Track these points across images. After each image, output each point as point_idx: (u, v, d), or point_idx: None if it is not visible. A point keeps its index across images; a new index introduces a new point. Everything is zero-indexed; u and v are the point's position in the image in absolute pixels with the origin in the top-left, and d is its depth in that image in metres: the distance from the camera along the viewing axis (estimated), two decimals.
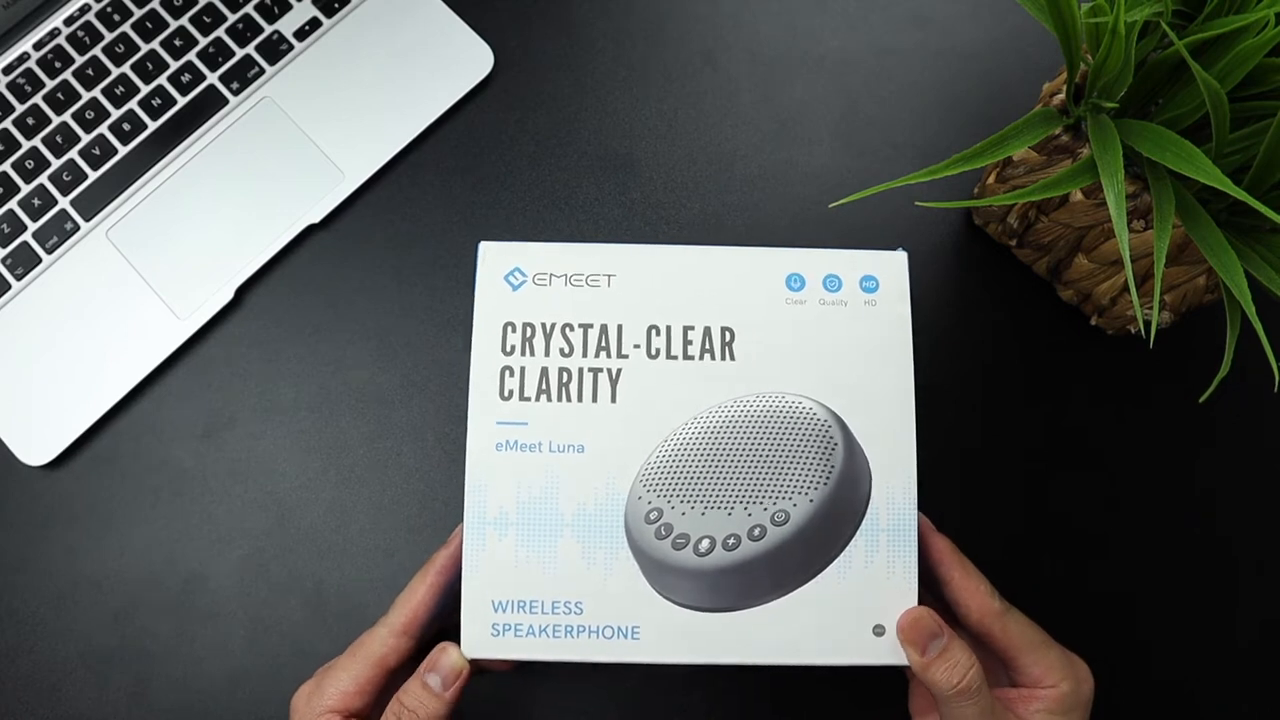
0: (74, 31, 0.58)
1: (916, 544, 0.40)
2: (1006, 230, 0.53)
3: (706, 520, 0.39)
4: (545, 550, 0.39)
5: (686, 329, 0.41)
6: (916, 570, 0.39)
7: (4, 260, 0.55)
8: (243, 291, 0.55)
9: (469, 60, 0.59)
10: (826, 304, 0.41)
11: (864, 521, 0.39)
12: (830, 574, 0.39)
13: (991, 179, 0.52)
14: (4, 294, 0.54)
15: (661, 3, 0.61)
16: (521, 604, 0.39)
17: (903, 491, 0.40)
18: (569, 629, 0.39)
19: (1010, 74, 0.59)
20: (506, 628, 0.39)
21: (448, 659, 0.39)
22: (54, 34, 0.58)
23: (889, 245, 0.43)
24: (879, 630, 0.39)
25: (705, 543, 0.39)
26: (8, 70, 0.58)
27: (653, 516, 0.39)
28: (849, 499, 0.39)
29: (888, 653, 0.39)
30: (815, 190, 0.57)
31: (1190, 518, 0.52)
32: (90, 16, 0.58)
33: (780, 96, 0.59)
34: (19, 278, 0.54)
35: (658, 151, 0.58)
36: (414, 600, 0.41)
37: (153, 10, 0.58)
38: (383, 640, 0.40)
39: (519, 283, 0.41)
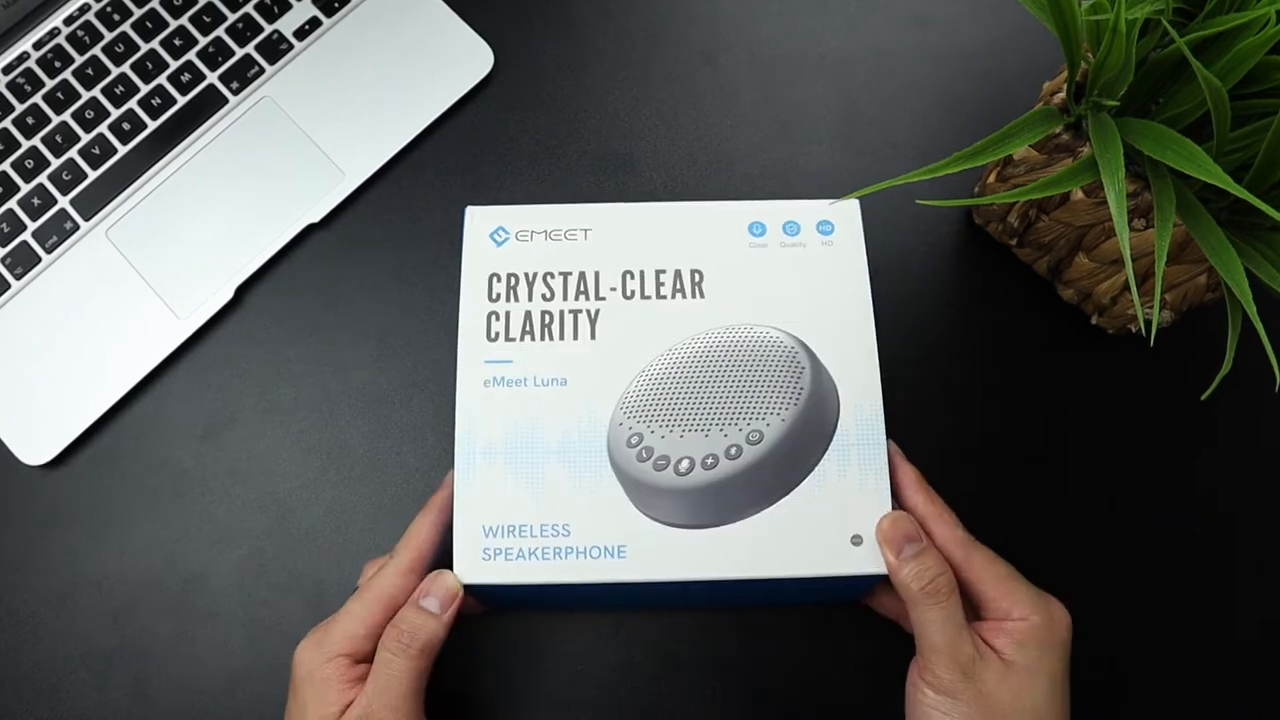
0: (74, 31, 0.58)
1: (886, 458, 0.42)
2: (1007, 229, 0.53)
3: (685, 442, 0.41)
4: (533, 476, 0.41)
5: (659, 272, 0.44)
6: (888, 482, 0.41)
7: (4, 260, 0.55)
8: (243, 291, 0.55)
9: (469, 60, 0.59)
10: (787, 246, 0.44)
11: (834, 438, 0.41)
12: (806, 488, 0.41)
13: (992, 178, 0.52)
14: (4, 294, 0.54)
15: (661, 3, 0.61)
16: (511, 528, 0.41)
17: (869, 410, 0.42)
18: (557, 550, 0.40)
19: (1010, 73, 0.59)
20: (497, 552, 0.40)
21: (443, 582, 0.40)
22: (54, 33, 0.58)
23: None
24: (857, 540, 0.41)
25: (685, 463, 0.41)
26: (8, 70, 0.58)
27: (633, 440, 0.41)
28: (818, 417, 0.42)
29: (866, 562, 0.40)
30: (815, 190, 0.57)
31: (1190, 517, 0.52)
32: (90, 16, 0.58)
33: (780, 96, 0.59)
34: (19, 277, 0.54)
35: (658, 151, 0.58)
36: (419, 538, 0.41)
37: (153, 10, 0.58)
38: (390, 580, 0.41)
39: (503, 240, 0.44)
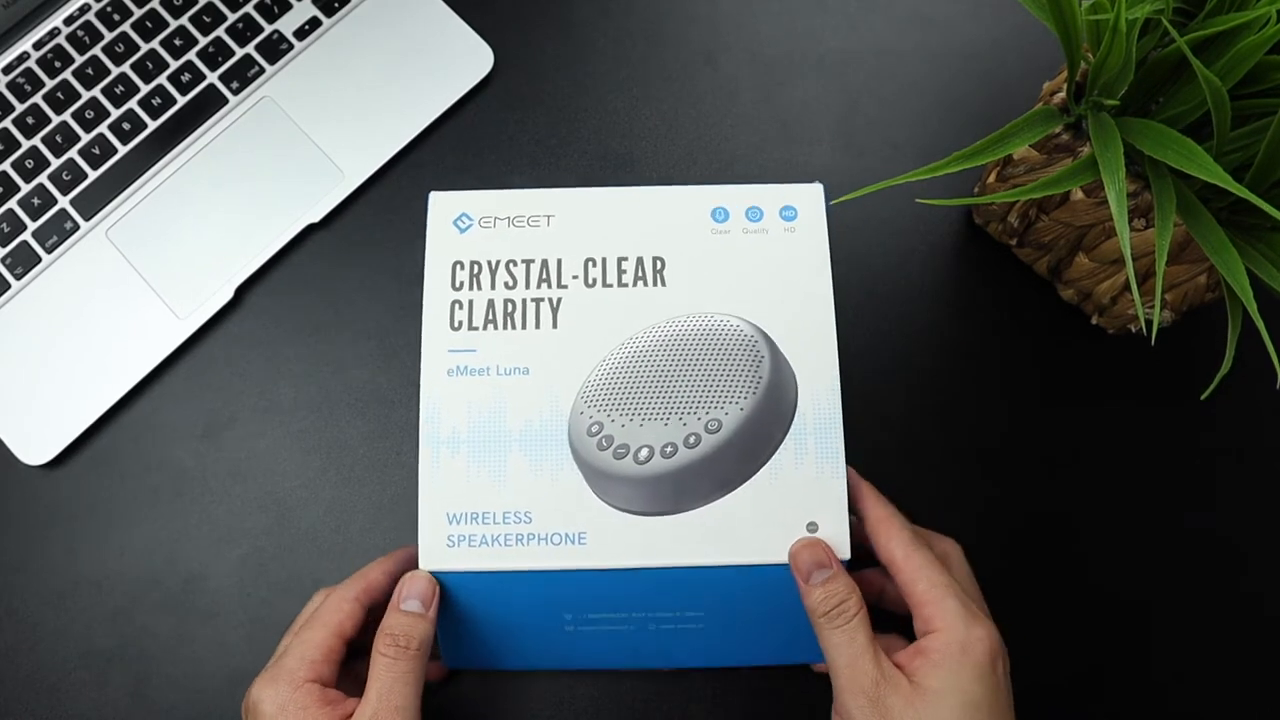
0: (74, 31, 0.58)
1: (842, 446, 0.42)
2: (1007, 230, 0.53)
3: (644, 431, 0.42)
4: (495, 465, 0.42)
5: (620, 259, 0.44)
6: (844, 470, 0.42)
7: (4, 260, 0.55)
8: (243, 291, 0.55)
9: (469, 60, 0.59)
10: (749, 233, 0.44)
11: (792, 426, 0.42)
12: (763, 476, 0.41)
13: (992, 178, 0.52)
14: (4, 294, 0.54)
15: (661, 3, 0.61)
16: (474, 515, 0.41)
17: (827, 398, 0.42)
18: (519, 537, 0.41)
19: (1010, 73, 0.59)
20: (461, 539, 0.41)
21: (419, 581, 0.41)
22: (54, 33, 0.58)
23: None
24: (813, 527, 0.41)
25: (644, 451, 0.41)
26: (8, 70, 0.58)
27: (594, 429, 0.42)
28: (777, 406, 0.42)
29: None
30: None
31: (1191, 516, 0.52)
32: (90, 16, 0.58)
33: (780, 96, 0.59)
34: (19, 277, 0.54)
35: (658, 151, 0.58)
36: (371, 575, 0.42)
37: (153, 10, 0.58)
38: (338, 607, 0.41)
39: (466, 226, 0.45)
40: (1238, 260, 0.38)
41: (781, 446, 0.42)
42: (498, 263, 0.44)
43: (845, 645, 0.38)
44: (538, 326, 0.43)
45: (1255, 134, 0.39)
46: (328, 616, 0.41)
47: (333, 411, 0.54)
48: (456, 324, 0.43)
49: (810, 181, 0.56)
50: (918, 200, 0.54)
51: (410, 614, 0.40)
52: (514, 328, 0.43)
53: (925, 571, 0.40)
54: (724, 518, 0.41)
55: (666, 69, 0.59)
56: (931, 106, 0.59)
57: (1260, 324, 0.37)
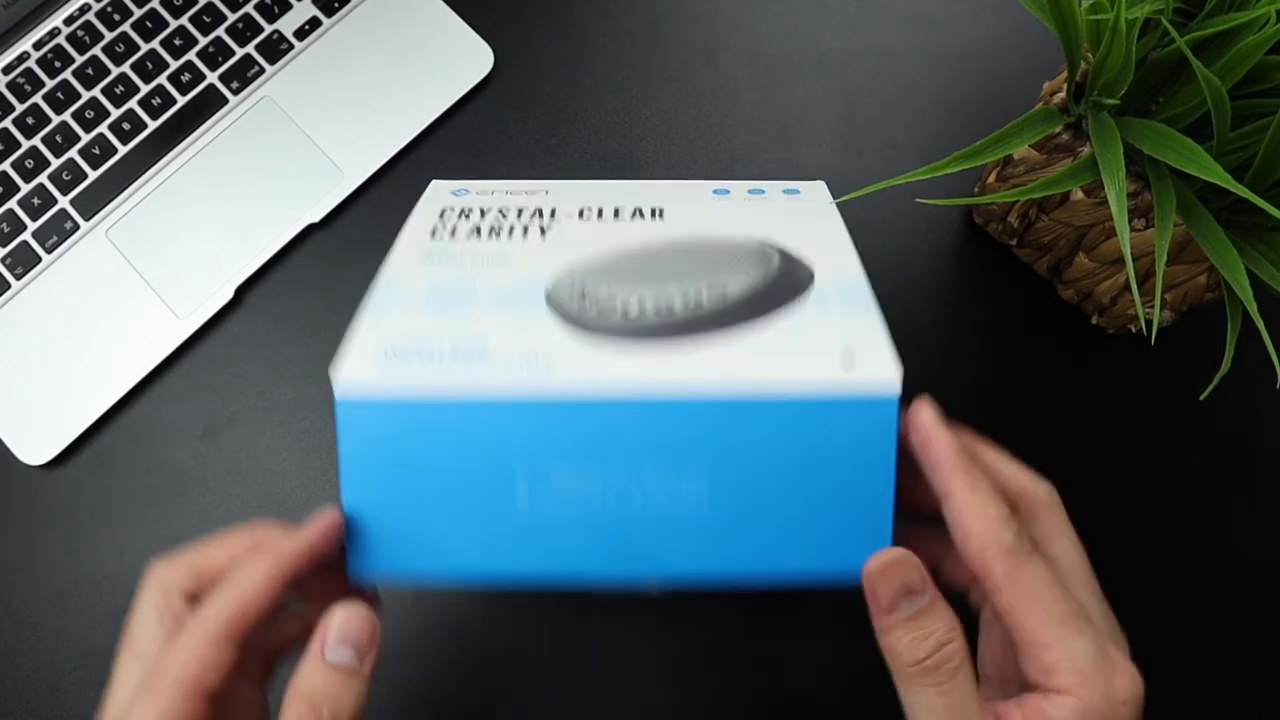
0: (74, 31, 0.58)
1: (876, 302, 0.34)
2: (1007, 229, 0.53)
3: (638, 292, 0.35)
4: (455, 315, 0.34)
5: (617, 208, 0.40)
6: (878, 311, 0.34)
7: (4, 260, 0.55)
8: (243, 291, 0.55)
9: (469, 60, 0.59)
10: (751, 200, 0.42)
11: (811, 293, 0.35)
12: (780, 324, 0.34)
13: (992, 178, 0.52)
14: (4, 294, 0.54)
15: (661, 3, 0.61)
16: (419, 350, 0.33)
17: (851, 277, 0.36)
18: (470, 356, 0.32)
19: (1010, 74, 0.59)
20: (395, 354, 0.32)
21: (351, 616, 0.28)
22: (54, 33, 0.58)
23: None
24: (848, 355, 0.32)
25: (636, 308, 0.34)
26: (8, 70, 0.58)
27: (580, 290, 0.35)
28: (790, 281, 0.36)
29: (863, 385, 0.32)
30: None
31: (1191, 516, 0.52)
32: (90, 16, 0.58)
33: (780, 96, 0.59)
34: (19, 277, 0.54)
35: (658, 151, 0.58)
36: (245, 594, 0.29)
37: (153, 10, 0.58)
38: (195, 655, 0.27)
39: (462, 194, 0.42)
40: (1238, 260, 0.38)
41: (799, 305, 0.34)
42: (489, 208, 0.40)
43: (946, 712, 0.27)
44: (524, 238, 0.38)
45: (1255, 134, 0.39)
46: (178, 670, 0.27)
47: (332, 411, 0.54)
48: (435, 235, 0.38)
49: (811, 180, 0.56)
50: (918, 200, 0.54)
51: (338, 669, 0.28)
52: (497, 239, 0.38)
53: (1041, 600, 0.28)
54: (734, 346, 0.33)
55: (666, 69, 0.59)
56: (931, 106, 0.59)
57: (1260, 324, 0.37)
